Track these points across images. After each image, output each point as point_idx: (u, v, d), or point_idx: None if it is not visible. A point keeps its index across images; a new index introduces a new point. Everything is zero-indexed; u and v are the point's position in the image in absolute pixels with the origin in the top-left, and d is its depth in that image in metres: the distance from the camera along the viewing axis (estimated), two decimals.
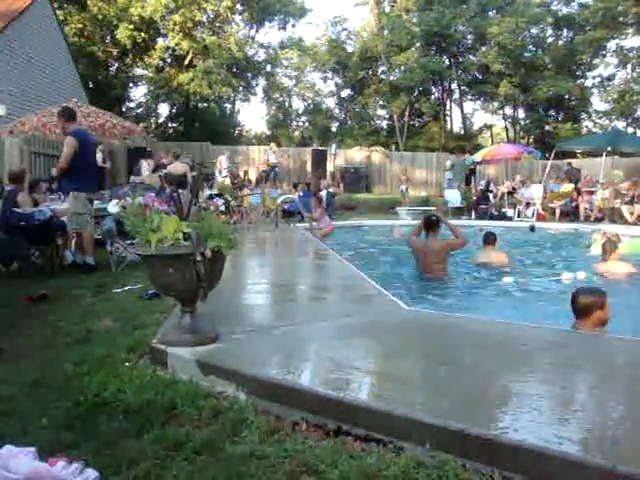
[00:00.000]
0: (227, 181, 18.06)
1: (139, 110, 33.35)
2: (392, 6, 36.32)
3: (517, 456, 2.15)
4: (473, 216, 17.25)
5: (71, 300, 5.54)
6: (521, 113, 36.13)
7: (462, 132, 38.01)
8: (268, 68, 36.05)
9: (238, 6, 32.58)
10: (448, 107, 37.84)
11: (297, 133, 39.35)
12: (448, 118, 37.93)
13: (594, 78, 34.45)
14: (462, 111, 38.15)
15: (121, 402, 2.85)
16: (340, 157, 23.63)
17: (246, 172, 20.57)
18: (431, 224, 7.15)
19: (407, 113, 34.50)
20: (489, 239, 8.12)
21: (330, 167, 22.17)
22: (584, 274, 7.19)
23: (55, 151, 13.01)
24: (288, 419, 2.68)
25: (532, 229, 13.65)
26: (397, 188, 21.57)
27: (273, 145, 22.15)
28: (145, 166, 14.27)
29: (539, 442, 2.15)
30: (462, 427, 2.27)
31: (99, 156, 14.00)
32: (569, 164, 20.03)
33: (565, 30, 33.84)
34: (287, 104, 38.95)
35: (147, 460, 2.35)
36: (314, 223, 11.85)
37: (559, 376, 3.00)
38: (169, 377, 3.17)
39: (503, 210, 17.56)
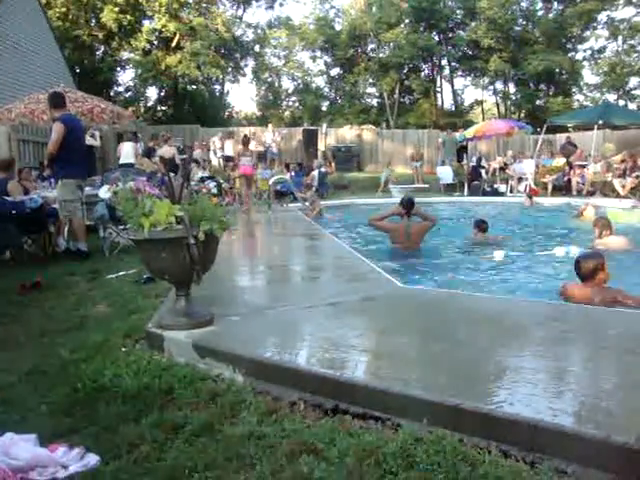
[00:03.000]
0: (221, 162, 17.99)
1: (127, 94, 32.95)
2: None
3: (513, 429, 2.18)
4: (466, 192, 17.24)
5: (65, 287, 5.53)
6: (512, 88, 35.97)
7: (453, 108, 37.83)
8: (257, 48, 35.66)
9: None
10: (438, 84, 37.60)
11: (287, 113, 39.08)
12: (439, 95, 37.71)
13: (585, 51, 34.31)
14: (452, 87, 37.96)
15: (119, 387, 2.86)
16: (331, 136, 23.50)
17: (238, 153, 20.39)
18: (411, 205, 7.47)
19: (397, 90, 34.28)
20: (480, 227, 8.17)
21: (321, 146, 22.05)
22: (577, 249, 7.21)
23: (44, 138, 12.87)
24: (286, 399, 2.70)
25: (530, 197, 13.71)
26: (408, 165, 21.32)
27: (270, 126, 21.92)
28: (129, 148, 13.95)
29: (534, 415, 2.18)
30: (458, 402, 2.30)
31: (89, 139, 13.86)
32: (568, 138, 19.97)
33: (555, 3, 33.56)
34: (277, 84, 38.65)
35: (147, 444, 2.36)
36: (306, 203, 11.88)
37: (553, 350, 3.03)
38: (166, 361, 3.18)
39: (495, 186, 17.55)
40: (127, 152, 13.38)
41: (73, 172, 7.07)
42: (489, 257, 7.21)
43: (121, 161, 13.20)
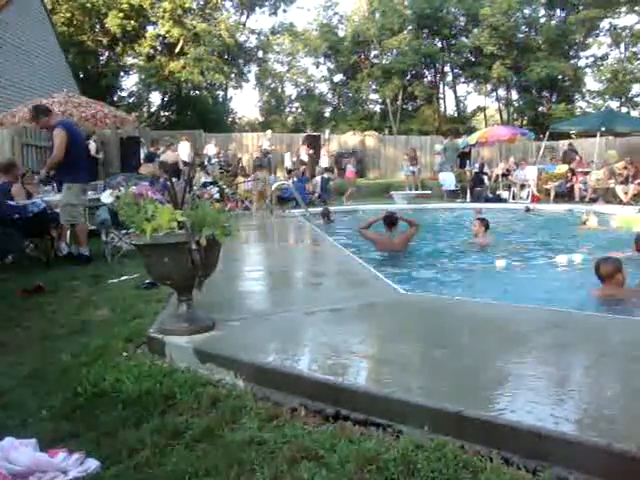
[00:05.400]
0: (216, 169, 18.05)
1: (131, 99, 33.07)
2: None
3: (515, 436, 2.17)
4: (468, 199, 17.22)
5: (67, 291, 5.53)
6: (514, 95, 36.05)
7: (456, 115, 37.89)
8: (260, 54, 35.77)
9: None
10: (441, 90, 37.70)
11: (290, 119, 39.15)
12: (441, 101, 37.81)
13: (587, 58, 34.38)
14: (455, 94, 38.05)
15: (120, 392, 2.86)
16: (334, 142, 23.54)
17: (239, 159, 20.48)
18: (392, 221, 7.81)
19: (400, 97, 34.34)
20: (482, 222, 8.52)
21: (324, 152, 22.07)
22: (580, 256, 7.18)
23: (47, 142, 12.90)
24: (287, 405, 2.69)
25: (527, 210, 13.70)
26: (396, 171, 21.45)
27: (269, 132, 22.23)
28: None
29: (536, 422, 2.17)
30: (460, 409, 2.29)
31: (92, 146, 13.94)
32: (570, 144, 19.99)
33: (558, 10, 33.65)
34: (280, 90, 38.74)
35: (147, 449, 2.36)
36: (309, 209, 11.87)
37: (555, 356, 3.02)
38: (167, 366, 3.18)
39: (498, 192, 17.54)
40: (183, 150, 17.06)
41: (79, 176, 7.10)
42: (490, 265, 7.21)
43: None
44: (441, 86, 37.57)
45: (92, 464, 2.24)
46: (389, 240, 7.79)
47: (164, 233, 3.17)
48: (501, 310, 4.10)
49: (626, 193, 14.74)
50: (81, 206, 7.15)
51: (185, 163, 15.81)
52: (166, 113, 34.16)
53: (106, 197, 7.37)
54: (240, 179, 16.11)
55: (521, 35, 32.79)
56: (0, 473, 2.09)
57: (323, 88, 38.90)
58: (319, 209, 12.32)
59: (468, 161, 20.04)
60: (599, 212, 11.82)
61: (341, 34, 36.44)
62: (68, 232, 7.56)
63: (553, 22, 33.30)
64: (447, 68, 36.65)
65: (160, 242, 3.19)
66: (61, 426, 2.62)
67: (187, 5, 29.06)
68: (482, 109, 39.04)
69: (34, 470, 2.17)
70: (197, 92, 32.49)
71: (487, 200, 16.48)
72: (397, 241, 7.78)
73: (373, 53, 36.11)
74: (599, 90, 33.77)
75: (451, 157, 19.80)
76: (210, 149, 19.13)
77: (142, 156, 15.93)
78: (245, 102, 77.15)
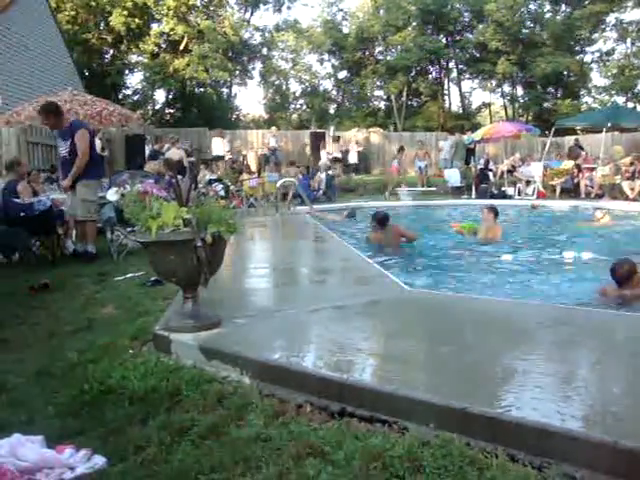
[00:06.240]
0: (228, 165, 18.14)
1: (135, 97, 33.14)
2: None
3: (520, 433, 2.17)
4: (473, 195, 17.17)
5: (73, 289, 5.54)
6: (520, 90, 35.93)
7: (461, 111, 37.81)
8: (264, 51, 35.79)
9: None
10: (446, 86, 37.62)
11: (295, 116, 39.16)
12: (446, 97, 37.72)
13: (593, 53, 34.21)
14: (460, 90, 37.95)
15: (126, 389, 2.87)
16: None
17: (245, 156, 20.49)
18: (382, 220, 7.80)
19: (405, 93, 34.29)
20: (492, 209, 8.56)
21: (329, 149, 22.05)
22: (589, 254, 7.13)
23: (53, 140, 12.92)
24: (292, 402, 2.69)
25: (533, 207, 13.65)
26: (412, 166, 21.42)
27: (274, 129, 22.31)
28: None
29: (542, 419, 2.17)
30: (465, 406, 2.28)
31: (98, 144, 13.96)
32: (576, 140, 19.91)
33: (563, 5, 33.47)
34: (284, 87, 38.72)
35: (153, 446, 2.36)
36: (314, 206, 11.86)
37: (561, 353, 3.01)
38: (173, 363, 3.18)
39: (503, 189, 17.45)
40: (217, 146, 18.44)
41: (95, 173, 7.16)
42: (496, 262, 7.19)
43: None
44: (446, 82, 37.49)
45: (99, 460, 2.25)
46: (383, 238, 7.80)
47: (169, 230, 3.18)
48: (507, 307, 4.09)
49: (632, 189, 14.64)
50: (97, 202, 7.19)
51: (216, 157, 16.75)
52: (171, 110, 34.21)
53: (111, 195, 7.38)
54: (245, 176, 16.11)
55: (526, 30, 32.65)
56: (8, 469, 2.10)
57: (328, 85, 38.95)
58: (327, 206, 12.31)
59: (473, 157, 19.97)
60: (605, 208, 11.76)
61: (345, 31, 36.42)
62: (74, 230, 7.58)
63: (559, 17, 33.13)
64: (452, 64, 36.58)
65: (165, 239, 3.20)
66: (68, 423, 2.63)
67: (191, 2, 29.10)
68: (487, 105, 38.92)
69: (41, 466, 2.18)
70: (201, 89, 32.52)
71: (492, 196, 16.40)
72: (388, 237, 7.79)
73: (377, 50, 36.10)
74: (605, 85, 33.62)
75: (460, 153, 19.74)
76: (226, 145, 19.22)
77: (147, 154, 15.99)
78: (250, 99, 77.28)
